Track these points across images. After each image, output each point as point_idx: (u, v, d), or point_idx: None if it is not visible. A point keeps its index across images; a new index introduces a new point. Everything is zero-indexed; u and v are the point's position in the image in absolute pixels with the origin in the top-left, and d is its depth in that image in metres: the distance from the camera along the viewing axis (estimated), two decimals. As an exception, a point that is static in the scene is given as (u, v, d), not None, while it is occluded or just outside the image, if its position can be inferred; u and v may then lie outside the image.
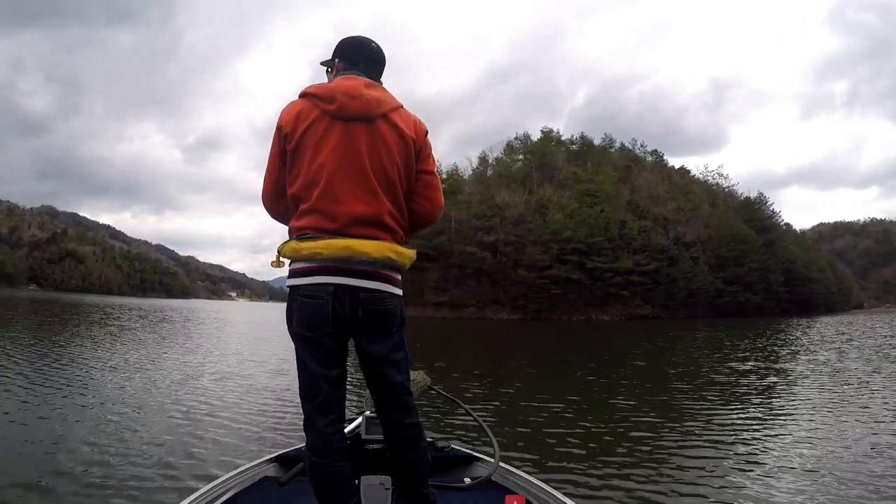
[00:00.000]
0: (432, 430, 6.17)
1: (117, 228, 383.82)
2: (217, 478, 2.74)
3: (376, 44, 2.41)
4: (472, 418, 3.56)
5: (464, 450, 3.17)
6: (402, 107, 2.27)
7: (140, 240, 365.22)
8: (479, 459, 3.09)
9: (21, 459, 4.98)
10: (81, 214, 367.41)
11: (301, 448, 2.74)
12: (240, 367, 12.33)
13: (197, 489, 2.58)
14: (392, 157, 2.18)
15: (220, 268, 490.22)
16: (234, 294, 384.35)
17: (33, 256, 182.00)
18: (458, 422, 6.82)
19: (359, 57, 2.35)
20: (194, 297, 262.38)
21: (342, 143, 2.13)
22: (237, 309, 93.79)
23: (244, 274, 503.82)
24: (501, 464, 2.90)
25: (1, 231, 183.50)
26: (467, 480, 2.81)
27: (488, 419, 7.08)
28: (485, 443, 3.65)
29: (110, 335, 19.62)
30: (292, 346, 2.23)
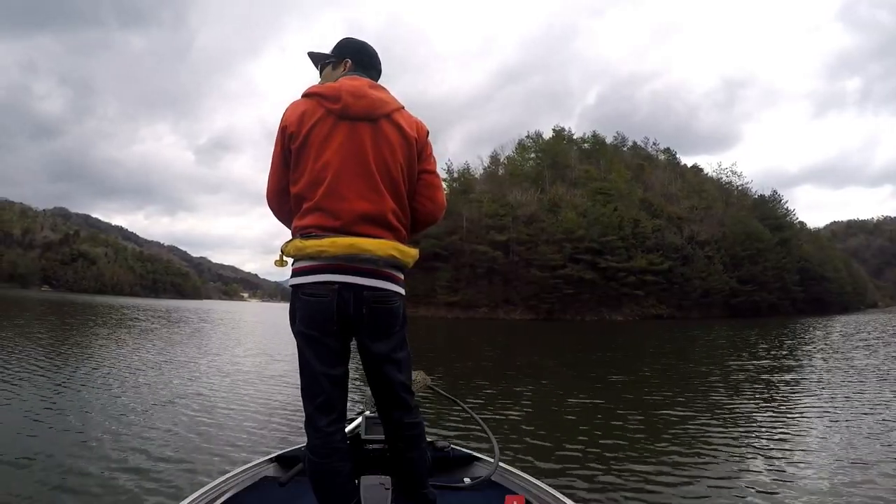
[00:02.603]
0: (432, 430, 6.21)
1: (130, 230, 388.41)
2: (217, 478, 2.75)
3: (365, 42, 2.47)
4: (472, 418, 3.53)
5: (464, 450, 3.20)
6: (403, 108, 2.30)
7: (152, 241, 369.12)
8: (479, 459, 3.11)
9: (43, 451, 5.25)
10: (94, 216, 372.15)
11: (301, 448, 2.84)
12: (264, 367, 12.48)
13: (197, 489, 2.58)
14: (395, 156, 2.21)
15: (233, 268, 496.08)
16: (246, 295, 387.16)
17: (46, 258, 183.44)
18: (458, 422, 6.87)
19: (370, 64, 2.43)
20: (206, 297, 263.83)
21: (347, 141, 2.16)
22: (250, 309, 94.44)
23: (256, 275, 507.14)
24: (501, 464, 2.92)
25: (14, 233, 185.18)
26: (467, 480, 2.83)
27: (488, 419, 7.01)
28: (485, 443, 3.73)
29: (130, 335, 19.92)
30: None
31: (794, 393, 9.62)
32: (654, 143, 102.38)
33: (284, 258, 2.24)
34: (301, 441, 2.53)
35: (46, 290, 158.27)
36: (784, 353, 17.52)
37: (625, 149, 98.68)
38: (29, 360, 11.22)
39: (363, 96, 2.19)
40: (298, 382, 2.22)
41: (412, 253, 2.23)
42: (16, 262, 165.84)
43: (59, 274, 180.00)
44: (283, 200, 2.32)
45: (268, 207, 2.40)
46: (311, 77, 2.54)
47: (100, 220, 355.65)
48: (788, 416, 7.78)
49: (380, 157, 2.17)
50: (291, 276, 2.19)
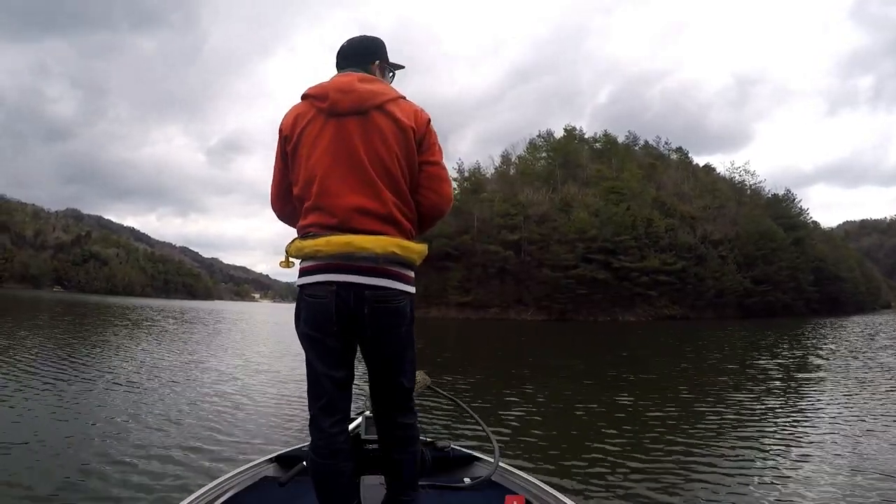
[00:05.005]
0: (432, 430, 6.36)
1: (142, 231, 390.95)
2: (217, 477, 2.74)
3: (356, 37, 2.41)
4: (471, 418, 3.52)
5: (464, 450, 3.19)
6: (402, 98, 2.23)
7: (164, 242, 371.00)
8: (479, 459, 3.11)
9: (55, 451, 5.32)
10: (106, 217, 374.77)
11: (300, 448, 2.98)
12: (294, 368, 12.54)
13: (197, 489, 2.58)
14: (390, 148, 2.13)
15: (244, 269, 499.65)
16: (257, 295, 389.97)
17: (58, 259, 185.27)
18: (458, 422, 6.89)
19: (339, 59, 2.36)
20: (218, 298, 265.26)
21: (336, 138, 2.12)
22: (262, 310, 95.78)
23: (267, 275, 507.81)
24: (501, 464, 2.91)
25: (26, 234, 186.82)
26: (467, 480, 2.82)
27: (489, 419, 6.89)
28: (485, 443, 3.69)
29: (149, 335, 20.25)
30: None
31: (820, 398, 9.40)
32: (666, 143, 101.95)
33: (290, 259, 2.21)
34: (300, 441, 2.61)
35: (58, 290, 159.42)
36: (810, 355, 17.30)
37: (636, 148, 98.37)
38: (53, 359, 11.41)
39: (350, 91, 2.14)
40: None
41: (417, 249, 2.15)
42: (28, 263, 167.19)
43: (70, 275, 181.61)
44: (284, 203, 2.35)
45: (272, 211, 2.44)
46: (319, 77, 2.44)
47: (112, 222, 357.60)
48: (808, 418, 7.68)
49: (372, 151, 2.11)
50: (298, 277, 2.19)
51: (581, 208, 72.50)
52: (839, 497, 4.49)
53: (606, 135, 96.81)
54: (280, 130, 2.25)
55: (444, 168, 2.32)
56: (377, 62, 2.37)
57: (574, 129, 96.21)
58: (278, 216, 2.44)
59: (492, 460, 2.94)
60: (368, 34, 2.47)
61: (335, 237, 2.05)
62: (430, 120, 2.25)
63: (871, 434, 6.58)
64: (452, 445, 3.16)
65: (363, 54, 2.35)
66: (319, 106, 2.16)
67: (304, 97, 2.24)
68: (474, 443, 5.26)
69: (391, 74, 2.47)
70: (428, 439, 3.08)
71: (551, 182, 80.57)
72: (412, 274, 2.19)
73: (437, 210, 2.30)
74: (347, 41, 2.40)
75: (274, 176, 2.35)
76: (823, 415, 7.84)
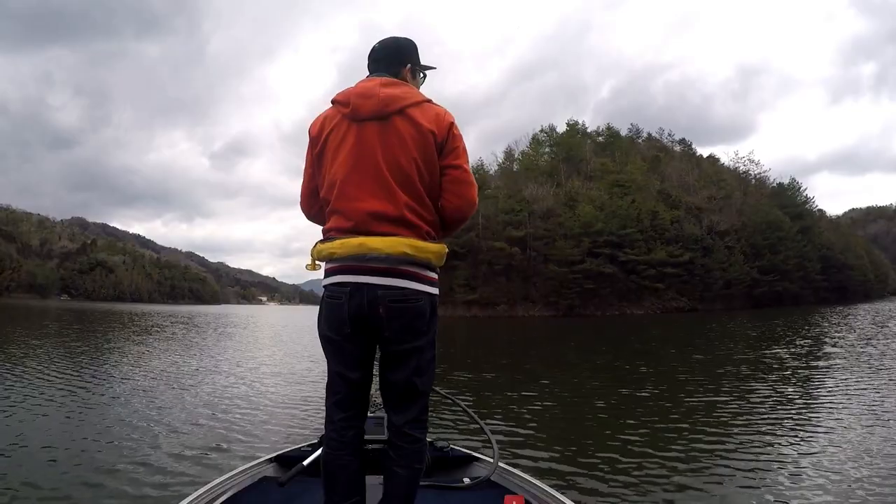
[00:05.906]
0: (432, 429, 6.11)
1: (147, 237, 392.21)
2: (217, 478, 2.77)
3: (387, 39, 2.39)
4: (471, 418, 3.54)
5: (463, 450, 3.24)
6: (426, 101, 2.23)
7: (170, 247, 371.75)
8: (478, 459, 3.15)
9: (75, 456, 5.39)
10: (112, 225, 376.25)
11: (300, 448, 3.12)
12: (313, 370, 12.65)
13: (196, 489, 2.61)
14: (408, 152, 2.15)
15: (250, 272, 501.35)
16: (264, 298, 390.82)
17: (64, 267, 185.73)
18: (457, 421, 6.89)
19: (370, 62, 2.37)
20: (225, 302, 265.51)
21: (357, 143, 2.16)
22: (270, 313, 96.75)
23: (274, 278, 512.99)
24: (501, 464, 2.93)
25: (32, 243, 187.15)
26: (467, 480, 2.85)
27: (488, 419, 7.03)
28: (485, 443, 3.75)
29: (159, 341, 20.40)
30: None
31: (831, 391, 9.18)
32: (670, 135, 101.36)
33: (317, 262, 2.24)
34: (300, 441, 2.67)
35: (65, 299, 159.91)
36: (823, 343, 17.19)
37: (640, 141, 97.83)
38: (65, 366, 11.57)
39: (371, 96, 2.17)
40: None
41: (433, 249, 2.15)
42: (35, 273, 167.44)
43: (77, 283, 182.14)
44: (311, 204, 2.39)
45: (300, 212, 2.48)
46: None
47: (117, 229, 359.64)
48: (826, 406, 7.60)
49: (390, 155, 2.13)
50: (322, 279, 2.22)
51: (586, 202, 72.20)
52: (863, 484, 4.45)
53: (609, 128, 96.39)
54: (308, 134, 2.30)
55: (468, 171, 2.29)
56: (408, 66, 2.36)
57: (577, 123, 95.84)
58: (306, 216, 2.47)
59: (491, 460, 2.97)
60: (400, 35, 2.45)
61: (349, 239, 2.08)
62: (453, 123, 2.23)
63: (893, 419, 6.54)
64: (452, 445, 3.22)
65: (394, 56, 2.36)
66: (344, 111, 2.20)
67: (332, 102, 2.28)
68: (474, 443, 5.27)
69: (422, 76, 2.46)
70: (427, 439, 3.04)
71: (555, 177, 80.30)
72: (432, 274, 2.19)
73: (459, 213, 2.28)
74: (379, 43, 2.39)
75: (304, 177, 2.40)
76: (842, 402, 7.75)
